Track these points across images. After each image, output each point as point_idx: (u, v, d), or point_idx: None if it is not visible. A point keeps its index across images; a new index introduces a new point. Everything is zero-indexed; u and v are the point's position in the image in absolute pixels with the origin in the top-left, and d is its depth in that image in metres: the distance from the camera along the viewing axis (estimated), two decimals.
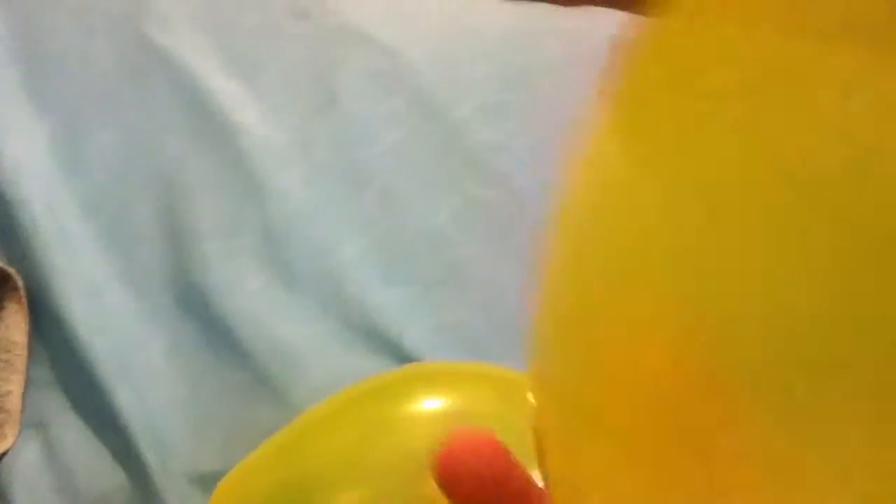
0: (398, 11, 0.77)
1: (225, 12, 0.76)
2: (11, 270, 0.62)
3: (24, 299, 0.61)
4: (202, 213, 0.66)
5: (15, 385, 0.59)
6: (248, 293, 0.62)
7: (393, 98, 0.71)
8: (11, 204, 0.65)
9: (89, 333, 0.60)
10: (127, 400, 0.58)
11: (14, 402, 0.59)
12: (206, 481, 0.55)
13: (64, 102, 0.71)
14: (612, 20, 0.78)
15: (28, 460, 0.57)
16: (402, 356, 0.59)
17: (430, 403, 0.48)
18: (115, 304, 0.63)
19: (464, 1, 0.79)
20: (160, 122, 0.70)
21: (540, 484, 0.22)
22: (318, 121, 0.70)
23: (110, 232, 0.66)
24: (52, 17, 0.74)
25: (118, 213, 0.66)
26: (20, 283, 0.62)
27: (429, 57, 0.74)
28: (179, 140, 0.69)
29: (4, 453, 0.57)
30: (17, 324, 0.61)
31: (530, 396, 0.50)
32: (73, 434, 0.58)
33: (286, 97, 0.72)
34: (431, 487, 0.46)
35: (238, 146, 0.68)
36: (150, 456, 0.56)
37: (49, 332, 0.61)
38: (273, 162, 0.68)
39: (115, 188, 0.67)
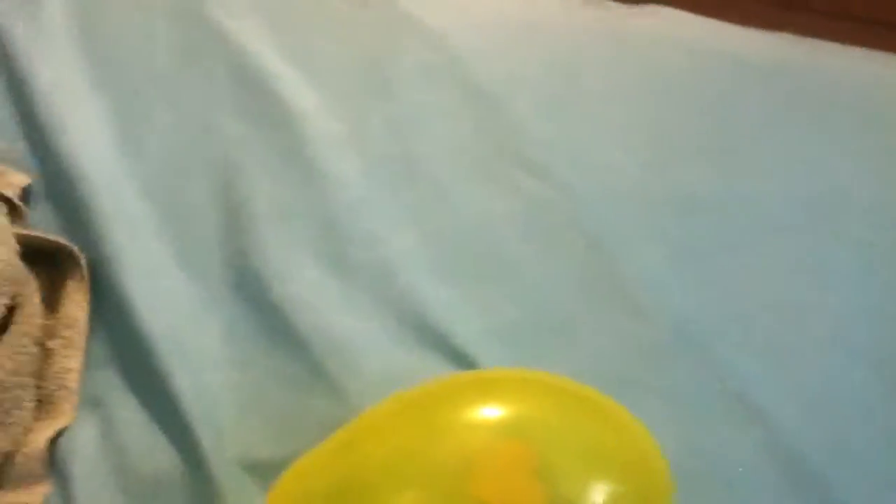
0: (454, 2, 0.77)
1: None
2: (74, 247, 0.63)
3: (85, 276, 0.63)
4: (259, 197, 0.66)
5: (75, 362, 0.61)
6: (304, 282, 0.63)
7: (448, 90, 0.72)
8: (73, 181, 0.66)
9: (147, 313, 0.61)
10: (183, 382, 0.59)
11: (73, 380, 0.60)
12: (259, 468, 0.57)
13: (123, 82, 0.72)
14: (673, 19, 0.77)
15: (86, 438, 0.58)
16: (452, 353, 0.60)
17: (487, 410, 0.49)
18: (172, 284, 0.64)
19: None
20: (219, 105, 0.71)
21: None
22: (374, 109, 0.71)
23: (168, 212, 0.67)
24: None
25: (176, 194, 0.67)
26: (83, 259, 0.63)
27: (484, 49, 0.74)
28: (237, 123, 0.70)
29: (63, 430, 0.59)
30: (78, 301, 0.62)
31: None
32: (129, 414, 0.59)
33: (343, 85, 0.72)
34: (482, 490, 0.47)
35: (296, 132, 0.69)
36: (204, 440, 0.57)
37: (107, 311, 0.63)
38: (330, 149, 0.68)
39: (172, 169, 0.68)
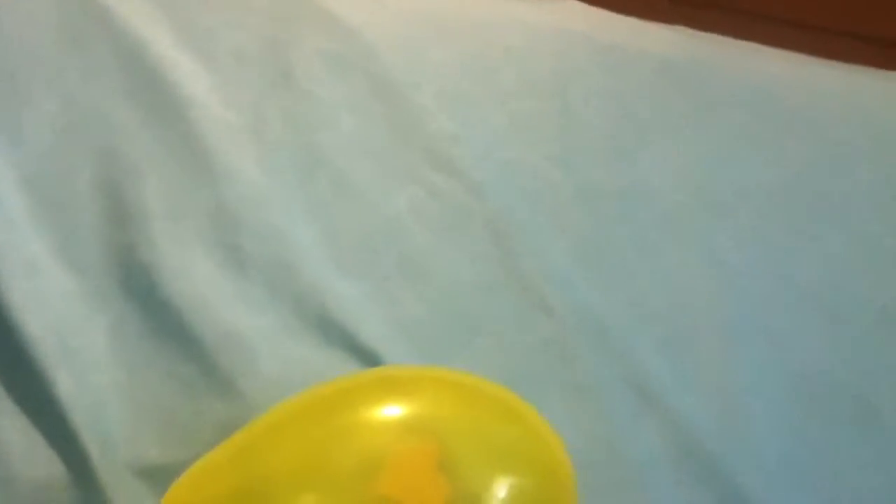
0: None
1: None
2: None
3: None
4: (148, 191, 0.63)
5: None
6: (196, 277, 0.60)
7: (350, 80, 0.70)
8: None
9: (25, 311, 0.58)
10: (66, 384, 0.56)
11: None
12: (151, 474, 0.54)
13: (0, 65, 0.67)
14: (576, 11, 0.78)
15: None
16: (356, 349, 0.58)
17: (391, 409, 0.48)
18: (53, 281, 0.60)
19: None
20: (104, 91, 0.67)
21: None
22: (272, 99, 0.68)
23: (49, 205, 0.63)
24: None
25: (58, 186, 0.63)
26: None
27: (388, 39, 0.72)
28: (124, 111, 0.66)
29: None
30: None
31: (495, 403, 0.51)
32: (5, 419, 0.56)
33: (239, 72, 0.69)
34: (386, 487, 0.46)
35: (187, 121, 0.66)
36: (91, 445, 0.54)
37: None
38: (224, 140, 0.66)
39: (54, 159, 0.64)
